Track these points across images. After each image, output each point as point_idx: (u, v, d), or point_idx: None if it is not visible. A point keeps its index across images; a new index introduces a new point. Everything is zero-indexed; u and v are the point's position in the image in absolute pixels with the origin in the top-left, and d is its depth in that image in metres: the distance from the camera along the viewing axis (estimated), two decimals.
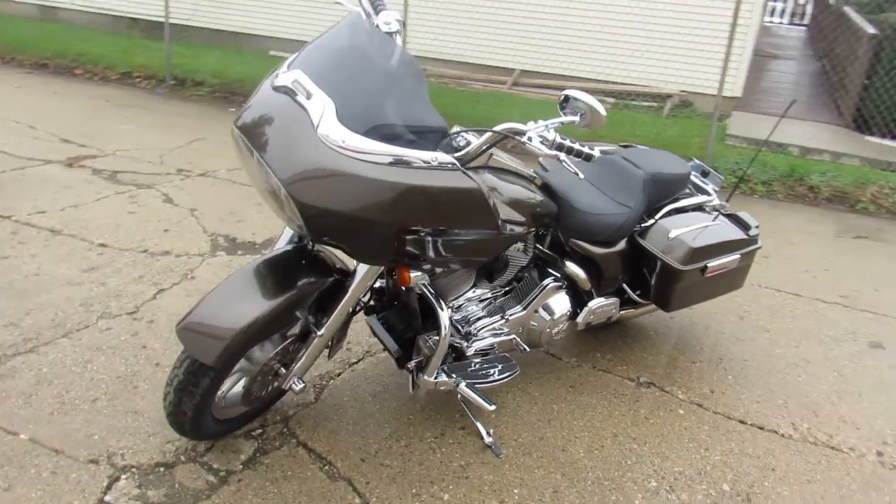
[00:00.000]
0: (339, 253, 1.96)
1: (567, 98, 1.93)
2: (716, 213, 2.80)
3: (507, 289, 2.51)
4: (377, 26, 2.12)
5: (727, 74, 6.58)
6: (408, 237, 1.84)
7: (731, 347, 3.10)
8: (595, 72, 7.82)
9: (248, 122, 1.81)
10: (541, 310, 2.49)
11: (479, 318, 2.40)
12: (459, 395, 2.27)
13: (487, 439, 2.36)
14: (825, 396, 2.78)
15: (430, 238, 1.85)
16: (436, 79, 8.56)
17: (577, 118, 1.91)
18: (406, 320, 2.32)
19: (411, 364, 2.29)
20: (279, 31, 8.94)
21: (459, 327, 2.34)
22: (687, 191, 2.85)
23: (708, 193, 2.92)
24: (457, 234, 1.88)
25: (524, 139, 1.95)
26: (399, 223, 1.76)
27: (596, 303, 2.61)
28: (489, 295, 2.47)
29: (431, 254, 1.89)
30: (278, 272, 1.99)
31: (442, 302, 2.10)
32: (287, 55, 1.95)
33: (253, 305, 1.88)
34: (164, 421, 2.21)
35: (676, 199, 2.78)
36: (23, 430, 2.22)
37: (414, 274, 1.96)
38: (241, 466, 2.17)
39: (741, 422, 2.58)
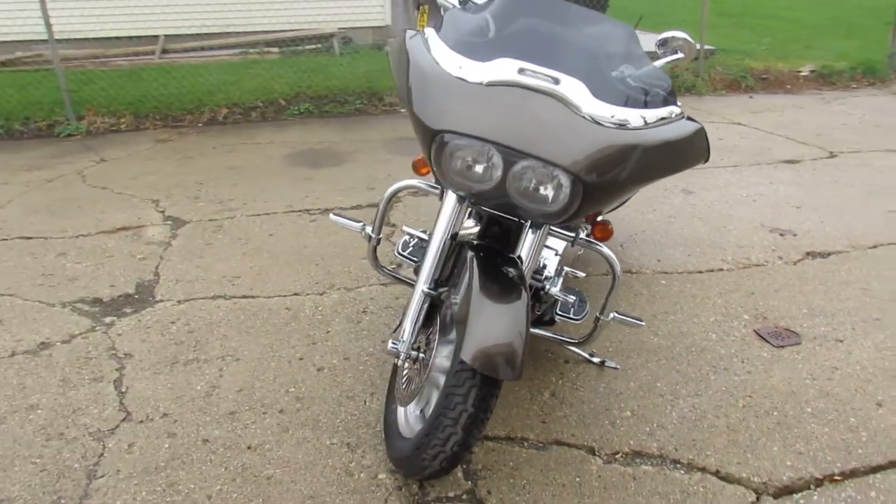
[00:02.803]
0: None
1: (661, 41, 2.21)
2: None
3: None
4: (456, 1, 2.06)
5: (377, 5, 7.11)
6: None
7: (622, 227, 3.78)
8: (252, 24, 7.58)
9: (480, 123, 1.70)
10: None
11: (545, 264, 2.58)
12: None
13: (596, 360, 2.62)
14: (709, 235, 3.68)
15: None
16: (64, 63, 7.24)
17: (680, 55, 2.20)
18: None
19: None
20: None
21: (539, 276, 2.50)
22: None
23: None
24: None
25: None
26: (657, 179, 1.88)
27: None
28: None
29: (616, 204, 2.03)
30: (499, 280, 1.89)
31: (605, 245, 2.24)
32: None
33: (514, 314, 1.81)
34: (353, 486, 2.01)
35: None
36: None
37: (611, 226, 2.09)
38: (469, 483, 2.08)
39: (698, 272, 3.30)
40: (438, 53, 1.83)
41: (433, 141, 1.76)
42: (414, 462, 1.89)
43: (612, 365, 2.60)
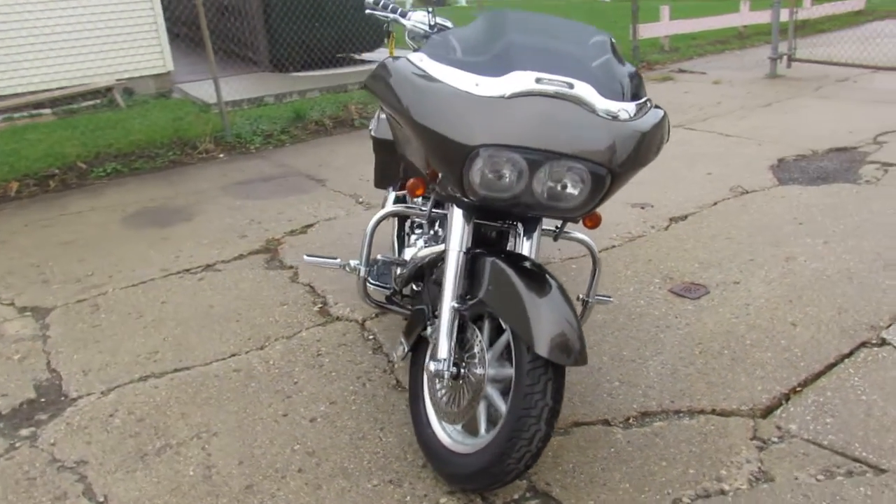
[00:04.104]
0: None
1: None
2: None
3: None
4: (426, 27, 2.13)
5: (156, 52, 6.80)
6: None
7: None
8: (11, 85, 6.73)
9: (511, 133, 1.79)
10: None
11: None
12: None
13: None
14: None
15: None
16: None
17: None
18: None
19: None
20: None
21: None
22: None
23: None
24: None
25: None
26: (648, 163, 2.08)
27: None
28: None
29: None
30: (532, 277, 1.95)
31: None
32: None
33: (562, 303, 1.91)
34: None
35: None
36: None
37: (599, 213, 2.26)
38: (524, 482, 2.13)
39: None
40: (444, 75, 1.88)
41: (467, 157, 1.81)
42: (496, 470, 1.90)
43: None
